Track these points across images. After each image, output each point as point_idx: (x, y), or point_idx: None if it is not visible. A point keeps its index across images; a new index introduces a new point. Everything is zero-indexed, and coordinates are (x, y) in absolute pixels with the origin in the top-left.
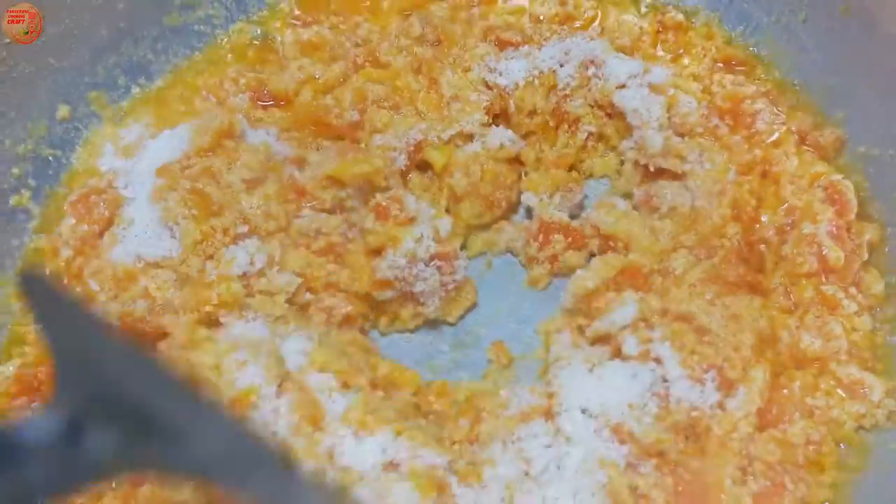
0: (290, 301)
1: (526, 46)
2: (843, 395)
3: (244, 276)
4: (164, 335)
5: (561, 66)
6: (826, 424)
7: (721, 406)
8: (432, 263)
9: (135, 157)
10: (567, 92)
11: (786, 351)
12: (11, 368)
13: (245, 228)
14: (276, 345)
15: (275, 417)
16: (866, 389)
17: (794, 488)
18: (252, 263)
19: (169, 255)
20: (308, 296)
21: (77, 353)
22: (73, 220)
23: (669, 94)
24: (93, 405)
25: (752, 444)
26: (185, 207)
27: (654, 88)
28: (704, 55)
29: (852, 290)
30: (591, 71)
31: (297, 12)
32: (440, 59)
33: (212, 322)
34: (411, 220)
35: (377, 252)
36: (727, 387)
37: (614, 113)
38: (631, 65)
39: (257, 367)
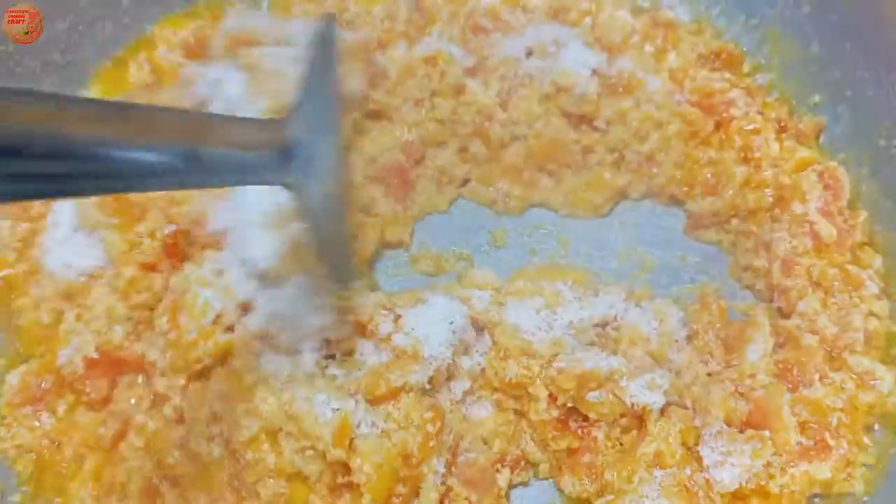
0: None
1: (499, 33)
2: (854, 386)
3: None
4: (141, 364)
5: (528, 56)
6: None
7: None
8: None
9: None
10: (524, 81)
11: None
12: (15, 379)
13: (173, 227)
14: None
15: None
16: (877, 380)
17: (836, 444)
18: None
19: (97, 265)
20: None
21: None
22: (10, 221)
23: (639, 77)
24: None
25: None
26: (103, 215)
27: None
28: (692, 50)
29: (870, 271)
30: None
31: None
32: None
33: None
34: None
35: None
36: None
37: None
38: (590, 56)
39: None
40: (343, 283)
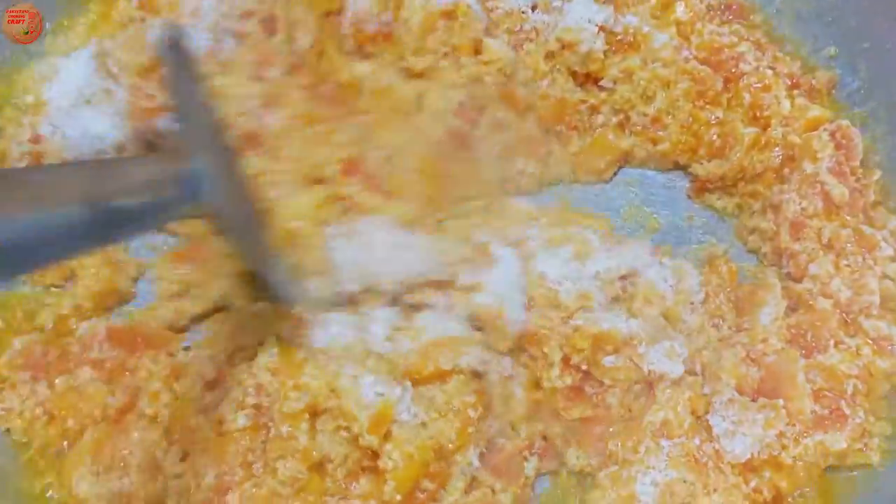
0: None
1: None
2: (871, 352)
3: None
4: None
5: (534, 10)
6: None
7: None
8: None
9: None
10: (531, 36)
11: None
12: (18, 345)
13: None
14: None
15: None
16: (895, 346)
17: (852, 413)
18: None
19: None
20: None
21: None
22: None
23: (644, 31)
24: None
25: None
26: None
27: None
28: (701, 1)
29: (884, 232)
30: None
31: None
32: None
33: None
34: None
35: None
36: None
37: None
38: (596, 10)
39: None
40: (290, 299)
